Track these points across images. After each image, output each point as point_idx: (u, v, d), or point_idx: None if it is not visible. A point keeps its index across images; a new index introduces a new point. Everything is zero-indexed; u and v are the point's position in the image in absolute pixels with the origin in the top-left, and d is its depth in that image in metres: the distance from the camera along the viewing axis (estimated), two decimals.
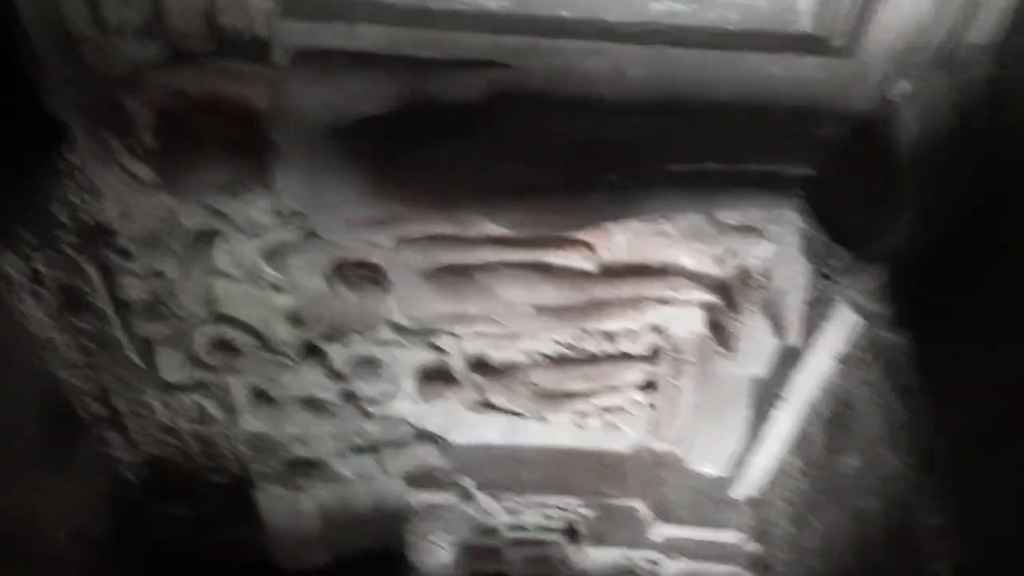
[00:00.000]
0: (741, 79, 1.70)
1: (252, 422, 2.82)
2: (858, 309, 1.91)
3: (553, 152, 1.77)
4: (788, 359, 2.46)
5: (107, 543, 2.79)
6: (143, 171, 1.83)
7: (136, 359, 2.55)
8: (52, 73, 1.68)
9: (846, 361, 2.26)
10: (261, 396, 2.77)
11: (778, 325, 2.37)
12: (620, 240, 2.50)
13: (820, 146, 1.75)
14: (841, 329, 2.20)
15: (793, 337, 2.36)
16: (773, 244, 2.23)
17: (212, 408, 2.79)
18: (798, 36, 1.71)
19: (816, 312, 2.26)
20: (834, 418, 2.34)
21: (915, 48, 1.62)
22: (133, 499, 2.95)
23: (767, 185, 1.79)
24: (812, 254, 1.99)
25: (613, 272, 2.53)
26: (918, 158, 1.66)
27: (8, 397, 2.30)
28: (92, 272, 2.25)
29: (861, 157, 1.72)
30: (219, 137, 1.71)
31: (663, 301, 2.60)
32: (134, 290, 2.38)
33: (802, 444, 2.53)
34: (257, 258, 2.42)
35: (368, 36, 1.66)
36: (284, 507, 2.96)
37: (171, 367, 2.64)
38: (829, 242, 1.79)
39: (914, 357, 1.77)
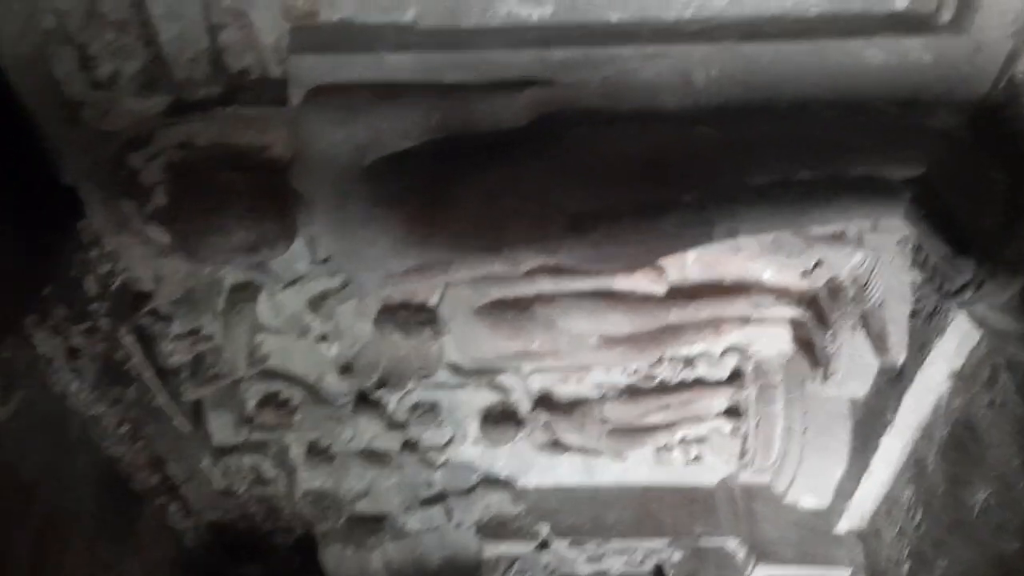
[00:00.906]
0: (830, 71, 1.47)
1: (311, 479, 2.69)
2: (983, 324, 1.63)
3: (616, 174, 1.56)
4: (895, 378, 2.20)
5: None
6: (160, 234, 1.68)
7: (185, 425, 2.44)
8: (58, 142, 1.56)
9: (966, 380, 1.99)
10: (318, 452, 2.63)
11: (879, 341, 2.12)
12: (691, 256, 2.30)
13: (931, 140, 1.50)
14: (957, 345, 1.95)
15: (897, 354, 2.11)
16: (871, 253, 1.99)
17: (268, 468, 2.67)
18: (895, 15, 1.47)
19: (927, 326, 2.01)
20: (953, 443, 2.07)
21: None
22: (198, 566, 2.84)
23: (869, 191, 1.54)
24: (921, 263, 1.73)
25: (686, 292, 2.32)
26: None
27: (63, 479, 2.21)
28: (130, 341, 2.15)
29: (982, 149, 1.46)
30: (236, 191, 1.54)
31: (744, 320, 2.38)
32: (176, 354, 2.27)
33: (916, 472, 2.26)
34: (301, 308, 2.29)
35: (395, 64, 1.48)
36: (351, 565, 2.81)
37: (222, 430, 2.53)
38: (945, 249, 1.52)
39: None
